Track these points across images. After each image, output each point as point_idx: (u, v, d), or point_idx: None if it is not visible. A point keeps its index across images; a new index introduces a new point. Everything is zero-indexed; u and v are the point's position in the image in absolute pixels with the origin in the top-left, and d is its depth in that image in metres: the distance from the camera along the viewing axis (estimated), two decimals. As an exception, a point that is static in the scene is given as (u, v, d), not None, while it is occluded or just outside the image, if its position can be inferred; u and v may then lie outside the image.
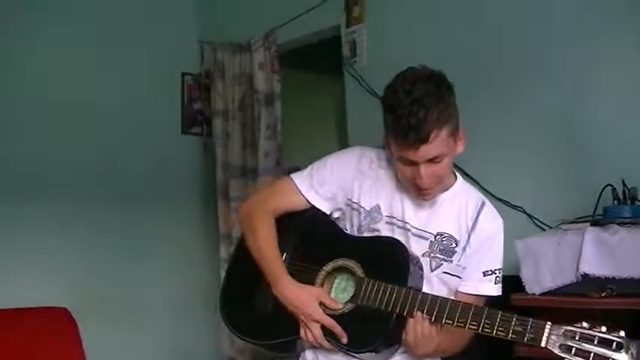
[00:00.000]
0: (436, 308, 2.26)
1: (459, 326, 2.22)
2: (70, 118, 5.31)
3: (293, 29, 5.30)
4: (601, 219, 3.27)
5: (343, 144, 5.07)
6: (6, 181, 5.02)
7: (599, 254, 3.06)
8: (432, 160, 2.29)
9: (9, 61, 5.12)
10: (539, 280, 3.24)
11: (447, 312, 2.24)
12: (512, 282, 3.26)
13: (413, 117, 2.20)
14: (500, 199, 3.90)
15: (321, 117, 6.90)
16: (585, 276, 3.08)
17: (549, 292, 3.19)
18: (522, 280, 3.26)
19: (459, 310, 2.22)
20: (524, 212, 3.87)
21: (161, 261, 5.71)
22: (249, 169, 5.41)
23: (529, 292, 3.24)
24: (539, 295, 3.21)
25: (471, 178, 4.06)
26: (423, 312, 2.26)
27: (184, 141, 6.01)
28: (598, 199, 3.42)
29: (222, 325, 2.73)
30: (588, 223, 3.24)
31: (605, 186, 3.40)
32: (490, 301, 2.52)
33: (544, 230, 3.74)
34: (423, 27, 4.50)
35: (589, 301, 3.06)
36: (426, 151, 2.25)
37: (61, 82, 5.29)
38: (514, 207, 3.86)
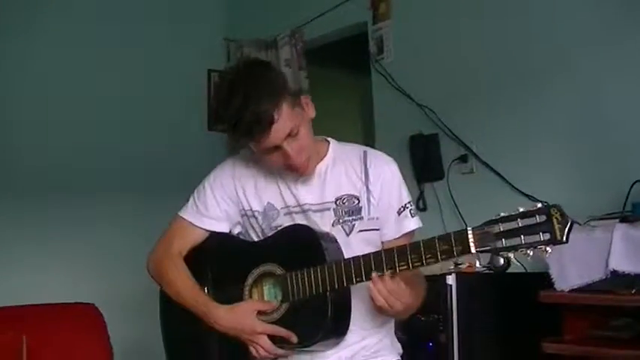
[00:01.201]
0: (362, 268, 2.20)
1: (391, 272, 2.15)
2: (96, 115, 5.33)
3: (319, 26, 5.31)
4: (630, 215, 3.25)
5: (370, 141, 5.06)
6: (33, 179, 5.05)
7: (628, 251, 3.04)
8: (289, 136, 2.28)
9: (38, 59, 5.15)
10: (567, 276, 3.22)
11: (372, 265, 2.18)
12: (540, 279, 3.26)
13: (248, 112, 2.20)
14: (527, 195, 3.91)
15: (348, 114, 6.89)
16: (614, 272, 3.06)
17: (578, 289, 3.18)
18: (551, 277, 3.25)
19: (383, 258, 2.17)
20: (552, 208, 3.85)
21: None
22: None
23: (557, 289, 3.23)
24: (567, 292, 3.20)
25: (499, 175, 4.07)
26: (353, 279, 2.21)
27: (210, 138, 6.01)
28: (627, 196, 3.41)
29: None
30: (617, 220, 3.22)
31: (635, 182, 3.39)
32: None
33: (572, 227, 3.72)
34: (449, 23, 4.50)
35: (618, 298, 3.05)
36: (278, 130, 2.25)
37: (88, 79, 5.31)
38: (541, 203, 3.85)
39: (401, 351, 2.58)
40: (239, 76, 2.29)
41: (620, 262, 3.04)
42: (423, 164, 4.52)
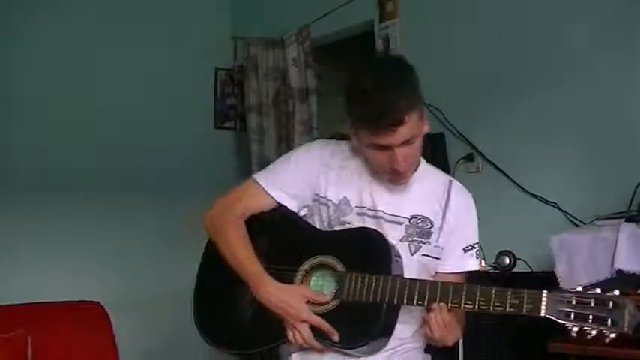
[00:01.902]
0: (427, 293, 2.22)
1: (454, 307, 2.19)
2: (102, 113, 5.34)
3: (326, 25, 5.31)
4: (636, 215, 3.24)
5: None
6: (38, 178, 5.05)
7: (634, 250, 3.04)
8: (405, 143, 2.27)
9: (46, 60, 5.16)
10: (574, 276, 3.21)
11: (439, 294, 2.20)
12: (546, 278, 3.25)
13: (385, 102, 2.19)
14: (534, 195, 3.90)
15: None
16: (620, 272, 3.05)
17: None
18: (557, 276, 3.24)
19: (451, 291, 2.19)
20: (558, 208, 3.85)
21: (193, 256, 5.72)
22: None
23: (563, 287, 3.21)
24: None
25: (505, 175, 4.06)
26: (414, 300, 2.23)
27: (217, 136, 6.02)
28: (633, 195, 3.41)
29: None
30: (623, 219, 3.21)
31: (641, 182, 3.39)
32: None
33: (578, 226, 3.72)
34: (456, 23, 4.49)
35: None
36: (401, 134, 2.23)
37: (95, 78, 5.32)
38: (548, 203, 3.85)
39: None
40: (393, 66, 2.29)
41: (626, 262, 3.03)
42: (429, 163, 4.50)
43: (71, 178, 5.18)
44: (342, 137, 2.57)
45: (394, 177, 2.39)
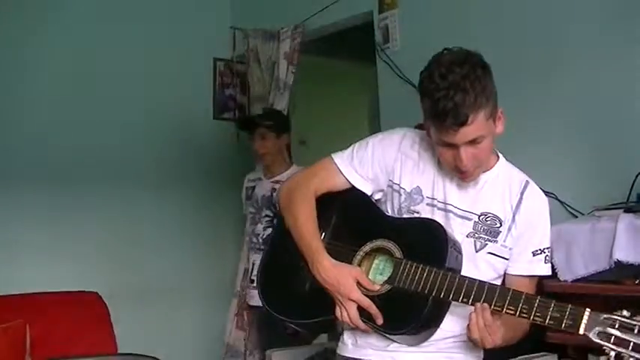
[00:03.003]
0: (473, 292, 2.22)
1: (496, 311, 2.19)
2: (102, 104, 5.34)
3: (326, 15, 5.30)
4: (635, 205, 3.24)
5: (375, 131, 5.03)
6: (39, 169, 5.06)
7: (633, 241, 3.03)
8: (471, 142, 2.27)
9: (45, 50, 5.17)
10: (572, 266, 3.21)
11: (484, 296, 2.20)
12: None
13: (450, 100, 2.19)
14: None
15: (354, 103, 6.90)
16: (618, 263, 3.05)
17: (582, 279, 3.17)
18: (555, 267, 3.24)
19: (497, 294, 2.19)
20: (557, 199, 3.84)
21: (193, 246, 5.74)
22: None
23: (561, 278, 3.22)
24: (571, 281, 3.19)
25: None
26: (460, 297, 2.23)
27: (216, 126, 6.02)
28: (632, 186, 3.40)
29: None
30: (622, 210, 3.21)
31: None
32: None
33: (576, 217, 3.72)
34: (457, 12, 4.48)
35: (622, 288, 3.04)
36: (465, 133, 2.24)
37: (95, 67, 5.32)
38: (546, 193, 3.79)
39: (481, 356, 2.57)
40: (463, 64, 2.26)
41: (625, 253, 3.03)
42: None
43: (71, 169, 5.20)
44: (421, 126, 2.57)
45: (459, 175, 2.39)
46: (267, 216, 4.71)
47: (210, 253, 5.82)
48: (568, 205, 3.81)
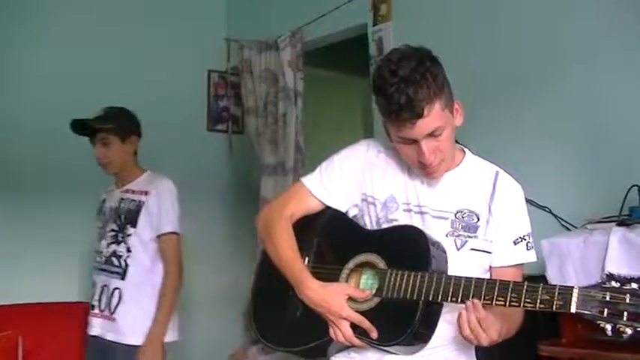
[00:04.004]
0: (460, 289, 2.20)
1: (486, 304, 2.16)
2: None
3: (319, 27, 5.31)
4: (627, 219, 3.25)
5: (369, 142, 5.07)
6: (34, 178, 5.05)
7: (626, 254, 3.04)
8: (431, 135, 2.28)
9: (37, 61, 5.17)
10: (565, 279, 3.21)
11: (472, 291, 2.18)
12: (537, 281, 3.24)
13: (402, 94, 2.19)
14: (526, 200, 3.89)
15: (348, 116, 6.90)
16: (611, 276, 3.05)
17: (575, 292, 3.17)
18: (547, 280, 3.24)
19: (484, 288, 2.17)
20: (550, 212, 3.85)
21: (186, 257, 5.72)
22: (279, 165, 5.46)
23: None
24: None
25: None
26: (448, 297, 2.21)
27: (210, 138, 6.02)
28: (624, 200, 3.41)
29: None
30: (614, 223, 3.22)
31: (632, 186, 3.39)
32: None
33: (569, 230, 3.72)
34: (450, 25, 4.49)
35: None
36: (423, 125, 2.24)
37: (87, 79, 5.32)
38: (540, 207, 3.85)
39: None
40: (412, 58, 2.26)
41: (617, 266, 3.04)
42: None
43: (66, 179, 5.18)
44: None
45: (424, 171, 2.39)
46: (112, 230, 4.10)
47: (200, 264, 5.81)
48: (561, 219, 3.82)
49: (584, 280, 3.15)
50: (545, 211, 3.85)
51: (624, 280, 2.93)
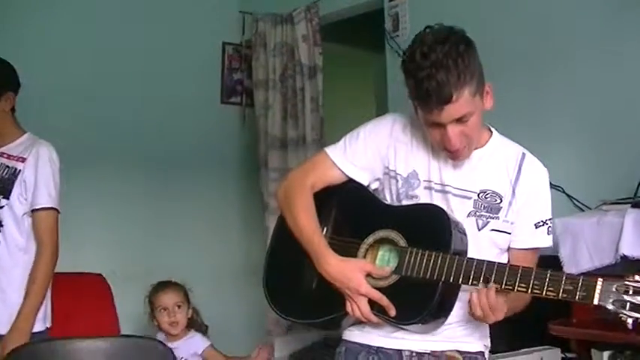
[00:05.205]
0: (482, 273, 2.19)
1: (508, 289, 2.16)
2: (109, 88, 5.33)
3: (335, 2, 5.29)
4: (642, 201, 3.24)
5: (383, 118, 5.06)
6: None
7: (639, 236, 3.03)
8: (458, 120, 2.25)
9: (52, 39, 5.16)
10: (578, 260, 3.21)
11: (494, 275, 2.17)
12: (550, 261, 3.24)
13: (433, 80, 2.16)
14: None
15: (362, 90, 6.88)
16: (624, 257, 3.05)
17: (587, 273, 3.16)
18: (560, 260, 3.24)
19: (507, 273, 2.16)
20: (564, 192, 3.84)
21: (197, 231, 5.73)
22: (292, 140, 5.44)
23: (567, 271, 3.21)
24: (576, 275, 3.18)
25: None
26: (469, 279, 2.21)
27: (224, 111, 6.01)
28: (639, 181, 3.39)
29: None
30: (629, 205, 3.20)
31: (647, 168, 3.38)
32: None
33: (583, 211, 3.71)
34: (467, 2, 4.46)
35: (629, 275, 3.04)
36: (451, 111, 2.21)
37: (105, 53, 5.31)
38: (553, 187, 3.78)
39: (488, 344, 2.55)
40: (445, 41, 2.22)
41: (631, 247, 3.03)
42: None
43: (75, 153, 5.16)
44: None
45: (449, 154, 2.37)
46: None
47: (214, 239, 5.82)
48: (575, 199, 3.81)
49: (597, 261, 3.15)
50: (559, 190, 3.83)
51: (638, 263, 2.95)
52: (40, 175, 3.47)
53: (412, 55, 2.23)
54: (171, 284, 4.19)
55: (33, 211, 3.45)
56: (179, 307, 4.09)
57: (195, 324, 4.18)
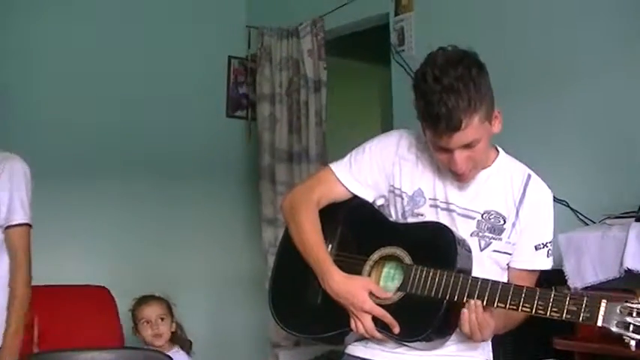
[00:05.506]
0: (487, 292, 2.19)
1: (512, 309, 2.16)
2: (118, 97, 5.35)
3: (341, 16, 5.30)
4: (646, 215, 3.24)
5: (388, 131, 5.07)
6: (49, 160, 5.06)
7: (644, 250, 3.03)
8: (466, 146, 2.24)
9: (58, 41, 5.18)
10: (582, 274, 3.21)
11: (498, 295, 2.18)
12: (554, 275, 3.24)
13: (443, 105, 2.15)
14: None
15: (367, 105, 6.90)
16: (629, 271, 3.05)
17: (592, 287, 3.17)
18: (565, 274, 3.24)
19: (511, 293, 2.16)
20: (568, 206, 3.84)
21: (203, 243, 5.74)
22: (296, 153, 5.46)
23: (571, 286, 3.22)
24: (581, 289, 3.19)
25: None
26: (474, 298, 2.20)
27: (229, 124, 6.02)
28: (644, 195, 3.40)
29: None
30: (633, 219, 3.21)
31: (652, 182, 3.38)
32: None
33: (587, 225, 3.71)
34: (472, 17, 4.48)
35: (632, 297, 3.03)
36: (459, 138, 2.20)
37: (109, 63, 5.33)
38: (558, 201, 3.82)
39: (490, 358, 2.55)
40: (458, 64, 2.21)
41: (635, 261, 3.03)
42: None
43: (83, 165, 5.19)
44: None
45: (455, 176, 2.37)
46: None
47: (220, 251, 5.83)
48: (579, 213, 3.81)
49: (601, 275, 3.15)
50: (563, 204, 3.83)
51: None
52: (15, 191, 3.36)
53: (424, 76, 2.22)
54: (154, 297, 4.18)
55: (8, 227, 3.33)
56: (162, 319, 4.07)
57: (180, 339, 4.16)
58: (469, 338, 2.28)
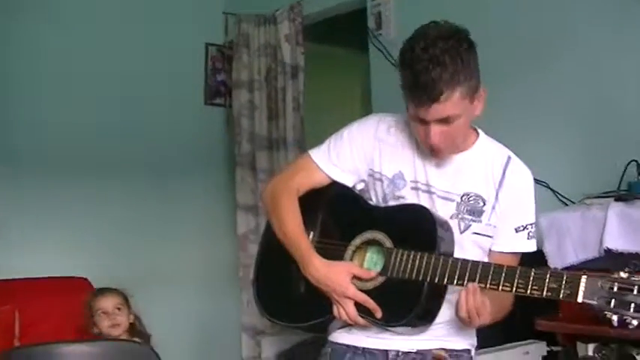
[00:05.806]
0: (467, 272, 2.18)
1: (492, 288, 2.14)
2: (94, 90, 5.31)
3: (318, 1, 5.27)
4: (625, 194, 3.25)
5: (367, 117, 5.06)
6: (32, 155, 5.04)
7: (623, 229, 3.04)
8: (443, 121, 2.23)
9: (33, 36, 5.13)
10: (562, 254, 3.22)
11: (478, 275, 2.16)
12: (534, 256, 3.24)
13: (426, 74, 2.14)
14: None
15: (346, 90, 6.88)
16: (609, 251, 3.05)
17: (572, 267, 3.17)
18: (545, 255, 3.24)
19: (491, 272, 2.15)
20: (548, 187, 3.85)
21: (183, 233, 5.72)
22: (275, 140, 5.45)
23: (551, 266, 3.22)
24: (561, 269, 3.19)
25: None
26: (454, 279, 2.20)
27: (207, 112, 6.00)
28: (622, 174, 3.40)
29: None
30: (612, 199, 3.22)
31: (630, 161, 3.38)
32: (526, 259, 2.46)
33: (567, 205, 3.72)
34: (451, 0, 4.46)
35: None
36: (437, 110, 2.19)
37: (86, 55, 5.29)
38: (538, 182, 3.78)
39: (474, 342, 2.55)
40: (449, 39, 2.20)
41: (615, 241, 3.04)
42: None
43: (63, 155, 5.16)
44: None
45: (430, 150, 2.34)
46: None
47: (200, 241, 5.81)
48: (559, 194, 3.82)
49: (581, 255, 3.16)
50: (543, 186, 3.84)
51: (622, 256, 2.96)
52: None
53: (412, 46, 2.20)
54: (110, 289, 4.15)
55: None
56: (119, 309, 4.04)
57: (139, 333, 4.13)
58: (466, 324, 2.27)
